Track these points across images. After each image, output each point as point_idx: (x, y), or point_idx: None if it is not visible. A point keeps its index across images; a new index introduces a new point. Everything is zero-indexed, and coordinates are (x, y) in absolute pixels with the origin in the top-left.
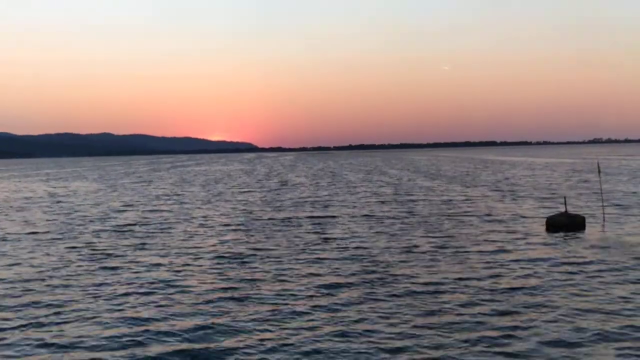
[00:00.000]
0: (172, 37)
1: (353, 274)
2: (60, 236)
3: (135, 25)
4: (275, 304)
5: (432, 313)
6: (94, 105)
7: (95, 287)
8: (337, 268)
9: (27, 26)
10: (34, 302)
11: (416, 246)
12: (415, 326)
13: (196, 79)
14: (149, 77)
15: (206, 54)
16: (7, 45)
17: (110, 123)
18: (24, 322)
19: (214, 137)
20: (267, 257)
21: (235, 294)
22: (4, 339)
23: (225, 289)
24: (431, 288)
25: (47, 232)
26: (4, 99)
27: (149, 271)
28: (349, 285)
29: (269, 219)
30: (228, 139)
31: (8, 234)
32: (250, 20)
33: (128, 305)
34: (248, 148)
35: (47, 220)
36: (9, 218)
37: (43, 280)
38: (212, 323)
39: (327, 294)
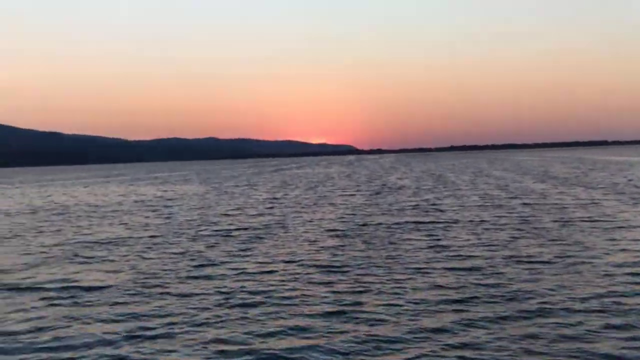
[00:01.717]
0: (275, 40)
1: (472, 287)
2: (164, 240)
3: (239, 29)
4: (388, 320)
5: (571, 338)
6: (200, 110)
7: (196, 295)
8: (454, 280)
9: (137, 36)
10: (137, 309)
11: (538, 256)
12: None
13: (298, 82)
14: (252, 81)
15: (307, 55)
16: (119, 57)
17: (215, 128)
18: (126, 330)
19: (315, 140)
20: (375, 265)
21: (344, 308)
22: (114, 344)
23: (331, 302)
24: (564, 306)
25: (154, 236)
26: (116, 107)
27: (251, 280)
28: (470, 300)
29: (376, 223)
30: (329, 142)
31: (116, 238)
32: (351, 21)
33: (228, 316)
34: (348, 150)
35: (153, 224)
36: (117, 221)
37: (146, 285)
38: (316, 343)
39: (452, 311)
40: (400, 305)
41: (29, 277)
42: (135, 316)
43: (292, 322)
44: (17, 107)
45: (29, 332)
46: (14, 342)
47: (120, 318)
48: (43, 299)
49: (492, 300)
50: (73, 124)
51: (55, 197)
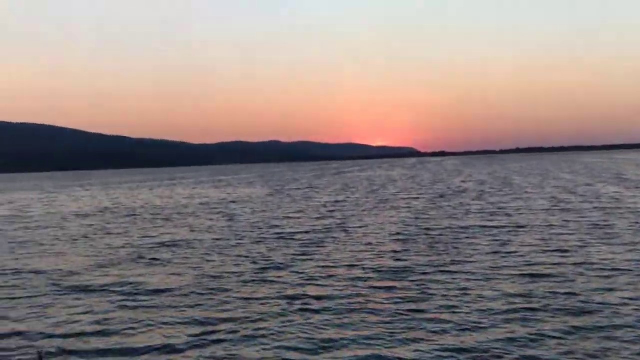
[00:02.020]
0: (337, 43)
1: (540, 296)
2: (228, 243)
3: (304, 32)
4: (452, 329)
5: None
6: (264, 114)
7: (258, 299)
8: (521, 288)
9: (198, 43)
10: (201, 313)
11: (611, 264)
12: None
13: (359, 84)
14: (313, 85)
15: (366, 57)
16: (182, 64)
17: (278, 131)
18: (190, 334)
19: (376, 143)
20: (439, 270)
21: (407, 314)
22: (177, 348)
23: (393, 308)
24: None
25: (217, 238)
26: (182, 111)
27: (313, 284)
28: (539, 310)
29: (440, 227)
30: (390, 144)
31: (180, 240)
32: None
33: (291, 322)
34: (410, 153)
35: (217, 226)
36: (182, 224)
37: (209, 288)
38: (379, 352)
39: (519, 320)
40: (466, 314)
41: (95, 279)
42: (199, 320)
43: (354, 329)
44: (86, 111)
45: (96, 334)
46: (82, 344)
47: (184, 321)
48: (109, 301)
49: (562, 310)
50: (139, 128)
51: (122, 200)
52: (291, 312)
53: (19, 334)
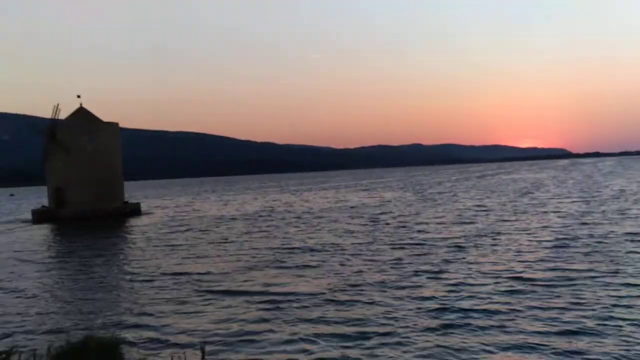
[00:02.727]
0: (481, 45)
1: None
2: (367, 248)
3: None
4: (615, 347)
5: None
6: (406, 118)
7: (399, 307)
8: None
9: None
10: (338, 317)
11: None
12: None
13: (506, 84)
14: (456, 86)
15: (506, 54)
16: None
17: (420, 134)
18: (325, 342)
19: (524, 144)
20: (597, 282)
21: (561, 326)
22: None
23: (548, 320)
24: None
25: (357, 243)
26: (324, 118)
27: (458, 292)
28: None
29: (598, 234)
30: (539, 145)
31: (321, 243)
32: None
33: (432, 331)
34: (561, 154)
35: (358, 230)
36: (322, 228)
37: (348, 293)
38: None
39: None
40: (629, 334)
41: (237, 282)
42: (338, 325)
43: (505, 340)
44: (236, 120)
45: (236, 335)
46: (224, 346)
47: (320, 326)
48: (248, 302)
49: None
50: (286, 135)
51: (267, 203)
52: (430, 322)
53: (180, 331)
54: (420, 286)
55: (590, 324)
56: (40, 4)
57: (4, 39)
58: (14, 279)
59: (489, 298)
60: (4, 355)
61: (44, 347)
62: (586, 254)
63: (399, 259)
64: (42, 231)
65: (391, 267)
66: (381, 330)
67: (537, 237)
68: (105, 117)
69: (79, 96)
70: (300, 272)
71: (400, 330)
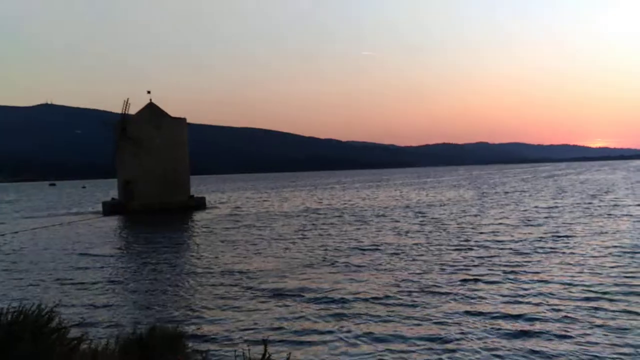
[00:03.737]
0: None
1: None
2: (424, 249)
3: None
4: None
5: None
6: (471, 116)
7: (454, 315)
8: None
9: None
10: (393, 325)
11: None
12: None
13: (572, 83)
14: (523, 84)
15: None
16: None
17: (486, 132)
18: (374, 347)
19: (595, 144)
20: None
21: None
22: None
23: (614, 333)
24: None
25: (415, 244)
26: (389, 116)
27: (518, 303)
28: None
29: None
30: (611, 146)
31: (378, 244)
32: None
33: (499, 347)
34: (635, 154)
35: (418, 230)
36: (380, 227)
37: (399, 298)
38: None
39: None
40: None
41: (295, 280)
42: (383, 332)
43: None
44: (300, 117)
45: (295, 334)
46: (283, 346)
47: (370, 336)
48: (305, 302)
49: None
50: (349, 132)
51: (327, 201)
52: (492, 334)
53: (240, 328)
54: (478, 293)
55: None
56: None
57: (77, 36)
58: (82, 270)
59: (551, 309)
60: (75, 342)
61: (112, 337)
62: None
63: (458, 261)
64: (111, 223)
65: (450, 272)
66: (433, 340)
67: (606, 242)
68: (173, 112)
69: (149, 92)
70: (356, 272)
71: (455, 343)
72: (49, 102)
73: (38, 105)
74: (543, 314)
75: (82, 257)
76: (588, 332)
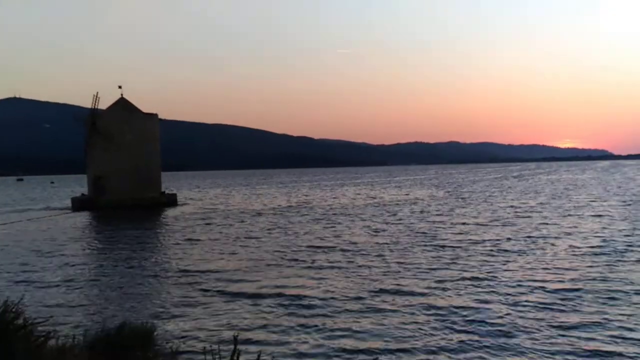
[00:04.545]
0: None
1: None
2: (390, 249)
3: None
4: None
5: None
6: (443, 115)
7: (430, 315)
8: None
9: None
10: (353, 324)
11: None
12: None
13: (542, 83)
14: (495, 84)
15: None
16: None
17: (458, 132)
18: (336, 348)
19: (564, 144)
20: None
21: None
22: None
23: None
24: None
25: (381, 243)
26: (361, 114)
27: (489, 304)
28: None
29: None
30: (579, 146)
31: (342, 243)
32: None
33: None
34: (602, 155)
35: (382, 229)
36: (347, 225)
37: (369, 299)
38: None
39: None
40: None
41: (250, 283)
42: (354, 330)
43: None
44: (273, 114)
45: (263, 332)
46: (252, 345)
47: (334, 334)
48: (270, 301)
49: None
50: (322, 130)
51: (296, 198)
52: (453, 333)
53: (206, 327)
54: (443, 294)
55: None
56: None
57: (46, 30)
58: (48, 268)
59: (520, 310)
60: (42, 339)
61: (79, 333)
62: (636, 263)
63: (426, 262)
64: (80, 219)
65: (414, 273)
66: (395, 339)
67: (574, 242)
68: (146, 108)
69: (120, 87)
70: (322, 271)
71: (409, 341)
72: (17, 96)
73: (5, 99)
74: (508, 314)
75: (49, 254)
76: (552, 331)
